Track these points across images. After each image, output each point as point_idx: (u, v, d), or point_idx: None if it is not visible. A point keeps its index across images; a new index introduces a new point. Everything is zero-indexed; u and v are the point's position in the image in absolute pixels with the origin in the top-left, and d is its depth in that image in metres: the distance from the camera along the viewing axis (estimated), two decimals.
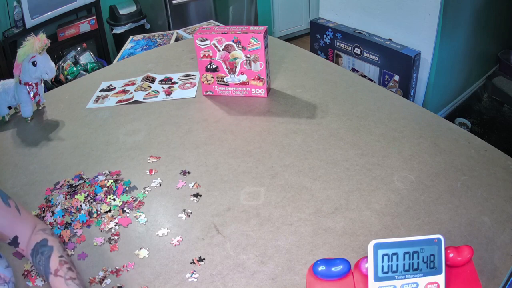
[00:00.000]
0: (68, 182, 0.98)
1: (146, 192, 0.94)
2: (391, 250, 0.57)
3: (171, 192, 0.94)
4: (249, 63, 1.24)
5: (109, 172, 1.01)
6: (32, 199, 0.95)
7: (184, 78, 1.45)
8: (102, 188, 0.94)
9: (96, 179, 0.98)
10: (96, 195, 0.93)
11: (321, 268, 0.62)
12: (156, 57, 1.66)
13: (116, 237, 0.83)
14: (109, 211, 0.89)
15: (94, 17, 2.84)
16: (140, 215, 0.88)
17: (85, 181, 0.97)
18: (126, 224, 0.86)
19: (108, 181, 0.96)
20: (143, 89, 1.39)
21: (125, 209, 0.90)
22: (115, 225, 0.86)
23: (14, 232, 0.77)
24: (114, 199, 0.92)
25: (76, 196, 0.91)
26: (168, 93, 1.36)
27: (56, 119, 1.27)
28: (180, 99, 1.33)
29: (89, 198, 0.91)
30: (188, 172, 0.99)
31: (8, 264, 0.75)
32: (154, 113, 1.26)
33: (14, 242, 0.77)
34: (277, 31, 3.73)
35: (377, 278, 0.58)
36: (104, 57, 2.98)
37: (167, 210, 0.89)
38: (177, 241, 0.81)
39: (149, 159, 1.05)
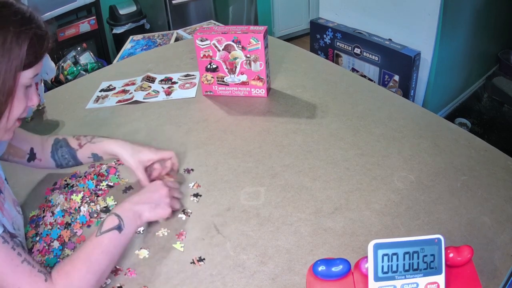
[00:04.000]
0: (65, 181, 0.98)
1: None
2: (391, 250, 0.57)
3: None
4: (249, 63, 1.24)
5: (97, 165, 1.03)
6: (32, 199, 0.95)
7: (184, 78, 1.45)
8: (92, 181, 0.96)
9: (86, 172, 1.01)
10: (91, 191, 0.93)
11: (321, 268, 0.62)
12: (156, 57, 1.66)
13: None
14: (108, 210, 0.89)
15: (94, 17, 2.84)
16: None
17: (80, 177, 0.99)
18: None
19: (101, 168, 1.00)
20: (143, 89, 1.39)
21: None
22: None
23: (29, 145, 0.90)
24: (108, 185, 0.95)
25: (72, 197, 0.91)
26: (168, 93, 1.36)
27: (56, 119, 1.27)
28: (180, 99, 1.33)
29: (87, 198, 0.91)
30: (192, 170, 0.99)
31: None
32: (154, 113, 1.26)
33: (32, 154, 0.90)
34: (277, 31, 3.73)
35: (377, 278, 0.58)
36: (104, 57, 2.98)
37: None
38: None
39: None
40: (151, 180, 0.91)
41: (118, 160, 1.04)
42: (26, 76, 0.65)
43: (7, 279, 0.61)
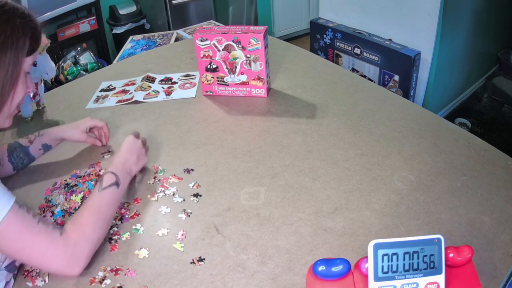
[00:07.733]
0: (65, 181, 0.98)
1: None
2: (391, 250, 0.57)
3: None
4: (249, 63, 1.24)
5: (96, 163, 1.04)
6: (32, 199, 0.95)
7: (184, 78, 1.45)
8: (92, 182, 0.96)
9: (85, 172, 1.01)
10: (90, 191, 0.93)
11: (321, 268, 0.62)
12: (156, 57, 1.66)
13: (116, 237, 0.83)
14: None
15: (94, 17, 2.84)
16: (135, 226, 0.86)
17: (80, 177, 0.99)
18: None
19: (101, 168, 1.01)
20: (143, 89, 1.39)
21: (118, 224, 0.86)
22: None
23: None
24: None
25: (72, 197, 0.91)
26: (168, 93, 1.36)
27: (56, 119, 1.27)
28: (180, 99, 1.33)
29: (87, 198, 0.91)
30: (192, 170, 1.00)
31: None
32: (154, 113, 1.26)
33: None
34: (277, 31, 3.73)
35: (377, 278, 0.58)
36: (104, 57, 2.98)
37: (167, 210, 0.89)
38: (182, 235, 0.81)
39: None
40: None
41: None
42: (28, 62, 0.74)
43: (27, 240, 0.67)
